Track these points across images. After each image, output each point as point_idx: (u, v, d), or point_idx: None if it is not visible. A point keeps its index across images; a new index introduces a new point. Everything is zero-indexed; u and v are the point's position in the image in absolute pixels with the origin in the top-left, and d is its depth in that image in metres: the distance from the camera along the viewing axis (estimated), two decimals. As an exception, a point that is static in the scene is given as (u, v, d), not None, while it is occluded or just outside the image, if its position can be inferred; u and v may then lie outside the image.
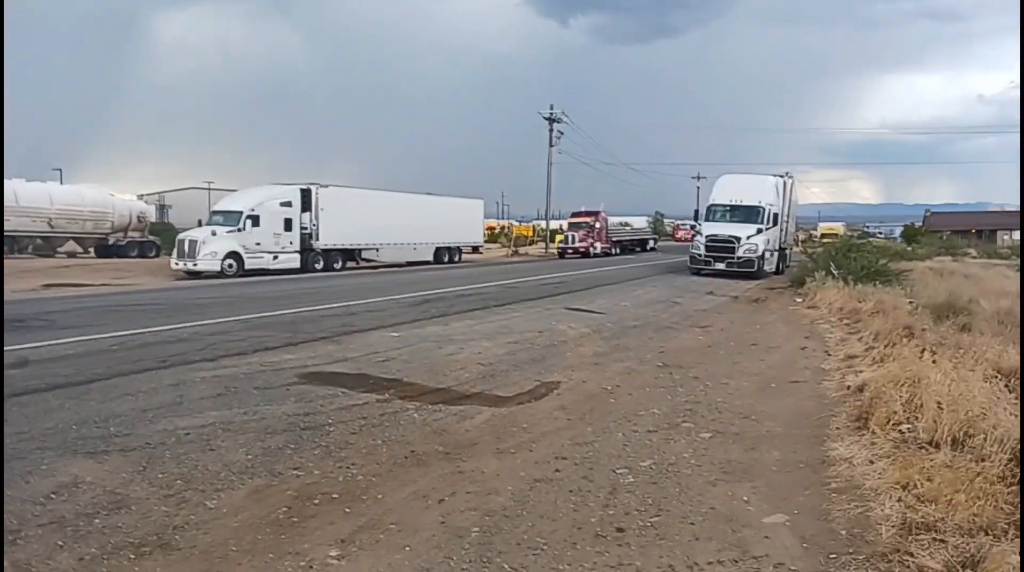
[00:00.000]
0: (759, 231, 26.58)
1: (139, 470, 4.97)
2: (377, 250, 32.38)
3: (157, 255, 37.26)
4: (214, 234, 26.81)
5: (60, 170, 54.13)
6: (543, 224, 60.82)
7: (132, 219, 39.04)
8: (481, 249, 42.26)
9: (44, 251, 36.61)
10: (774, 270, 28.01)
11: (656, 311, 15.54)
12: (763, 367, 9.53)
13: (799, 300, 17.96)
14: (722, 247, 26.40)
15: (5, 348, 8.25)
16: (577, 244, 44.11)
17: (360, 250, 31.64)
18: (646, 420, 6.73)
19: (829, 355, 10.20)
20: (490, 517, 4.46)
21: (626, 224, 52.66)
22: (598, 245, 44.77)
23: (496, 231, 66.93)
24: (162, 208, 51.12)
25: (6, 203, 33.14)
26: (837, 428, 6.31)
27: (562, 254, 44.31)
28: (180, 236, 28.04)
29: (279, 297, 16.27)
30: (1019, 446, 4.87)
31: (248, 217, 27.42)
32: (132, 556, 3.85)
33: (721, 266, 26.25)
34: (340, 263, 30.23)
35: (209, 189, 63.14)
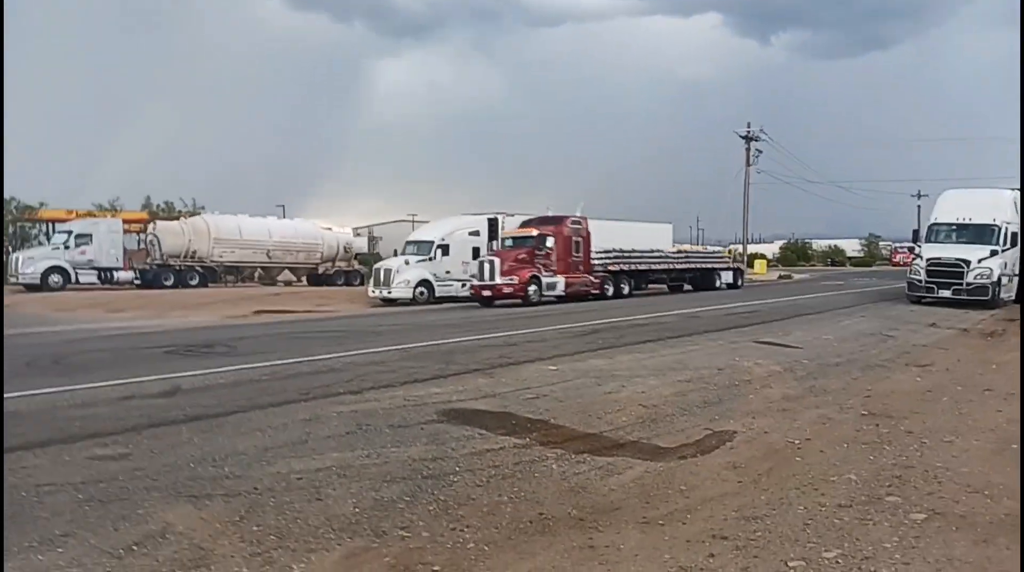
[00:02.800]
0: (993, 253, 22.82)
1: (235, 520, 4.56)
2: (560, 276, 31.91)
3: (361, 283, 39.55)
4: (407, 263, 27.90)
5: (283, 206, 59.80)
6: (740, 248, 57.56)
7: (340, 250, 41.93)
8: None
9: (265, 280, 40.30)
10: (1013, 298, 23.95)
11: (865, 346, 13.48)
12: (1001, 421, 7.60)
13: (1050, 335, 14.88)
14: (948, 272, 22.95)
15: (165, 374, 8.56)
16: (498, 280, 24.28)
17: (545, 277, 31.34)
18: (839, 489, 5.36)
19: (1096, 408, 7.97)
20: (612, 618, 3.48)
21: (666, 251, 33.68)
22: (558, 280, 25.97)
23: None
24: (372, 240, 54.72)
25: (231, 237, 36.88)
26: (1115, 519, 4.59)
27: (478, 297, 24.88)
28: (376, 265, 29.52)
29: (451, 325, 16.17)
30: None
31: (438, 246, 28.26)
32: (186, 632, 3.35)
33: (946, 293, 22.81)
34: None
35: (413, 221, 66.89)
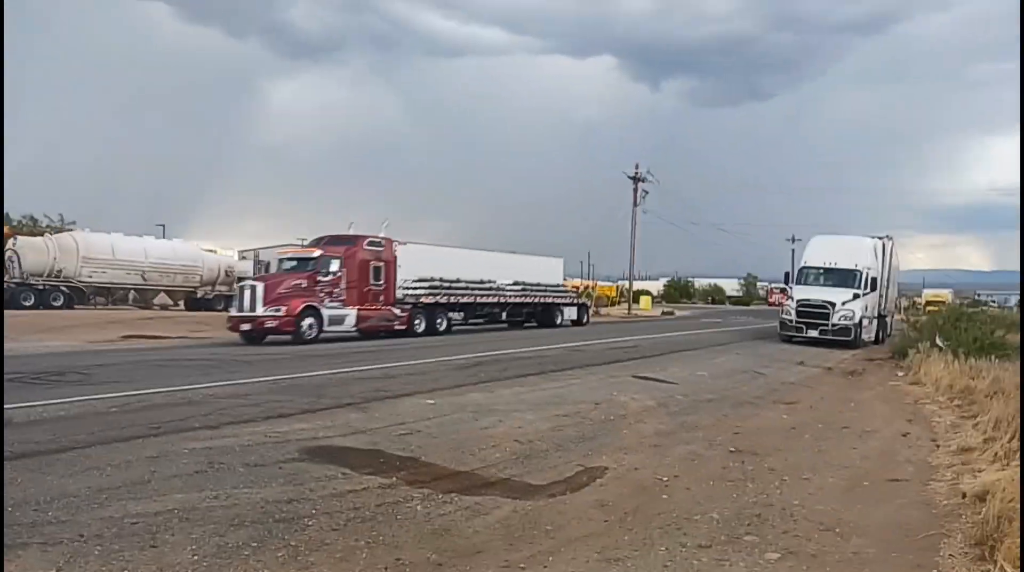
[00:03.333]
0: (856, 296, 24.43)
1: (51, 572, 4.06)
2: (452, 308, 31.73)
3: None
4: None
5: (163, 226, 56.81)
6: (628, 284, 59.20)
7: (221, 273, 40.12)
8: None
9: (140, 303, 37.98)
10: (873, 339, 25.65)
11: (737, 383, 13.97)
12: (855, 458, 7.96)
13: (901, 374, 15.95)
14: (815, 313, 24.36)
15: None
16: (259, 310, 19.69)
17: (435, 307, 31.04)
18: (701, 528, 5.39)
19: (938, 446, 8.50)
20: None
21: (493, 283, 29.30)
22: (347, 312, 21.67)
23: (580, 291, 65.77)
24: (258, 263, 52.68)
25: (102, 256, 34.62)
26: (951, 555, 4.81)
27: (237, 331, 20.16)
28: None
29: (330, 355, 15.62)
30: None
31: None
32: None
33: (814, 333, 24.17)
34: (415, 320, 29.68)
35: (302, 244, 65.07)
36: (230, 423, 7.87)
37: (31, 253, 33.13)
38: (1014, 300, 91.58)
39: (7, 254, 33.86)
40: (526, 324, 30.62)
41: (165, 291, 38.69)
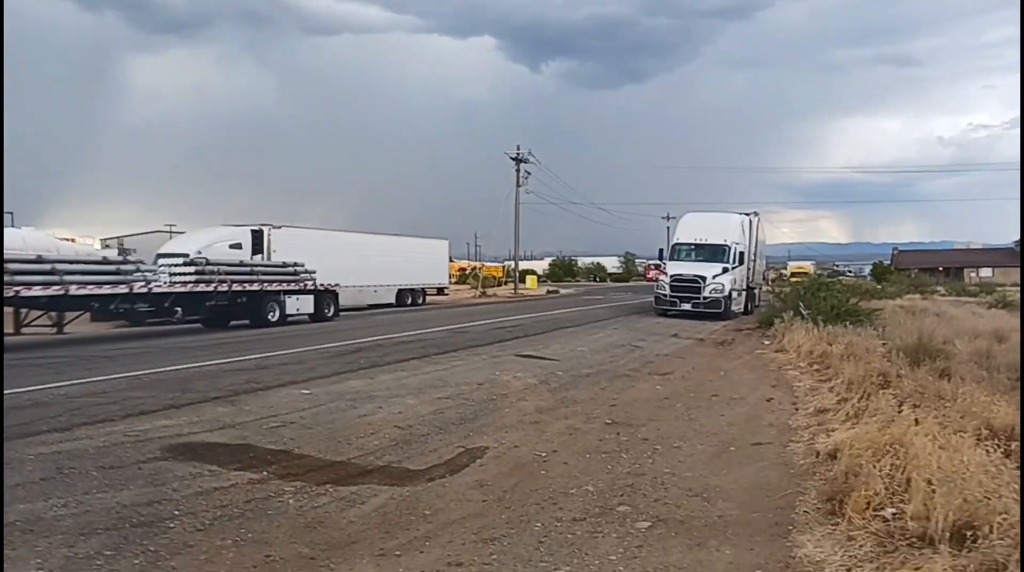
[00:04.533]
0: (725, 270, 25.71)
1: None
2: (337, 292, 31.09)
3: (105, 301, 35.54)
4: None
5: (11, 214, 52.20)
6: (514, 264, 59.78)
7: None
8: (447, 291, 41.02)
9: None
10: (742, 310, 27.11)
11: (615, 357, 14.38)
12: (723, 424, 8.36)
13: (767, 343, 16.93)
14: (687, 287, 25.47)
15: None
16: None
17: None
18: (576, 502, 5.49)
19: (797, 409, 9.07)
20: (326, 672, 3.17)
21: None
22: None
23: (467, 272, 65.80)
24: (123, 252, 49.40)
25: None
26: (805, 511, 5.12)
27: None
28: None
29: (199, 347, 14.87)
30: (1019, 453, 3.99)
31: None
32: None
33: (687, 306, 25.28)
34: (294, 308, 28.70)
35: (171, 232, 61.48)
36: (84, 424, 7.30)
37: None
38: (867, 269, 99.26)
39: None
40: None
41: (15, 284, 35.67)
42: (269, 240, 28.26)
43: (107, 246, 43.24)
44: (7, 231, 37.51)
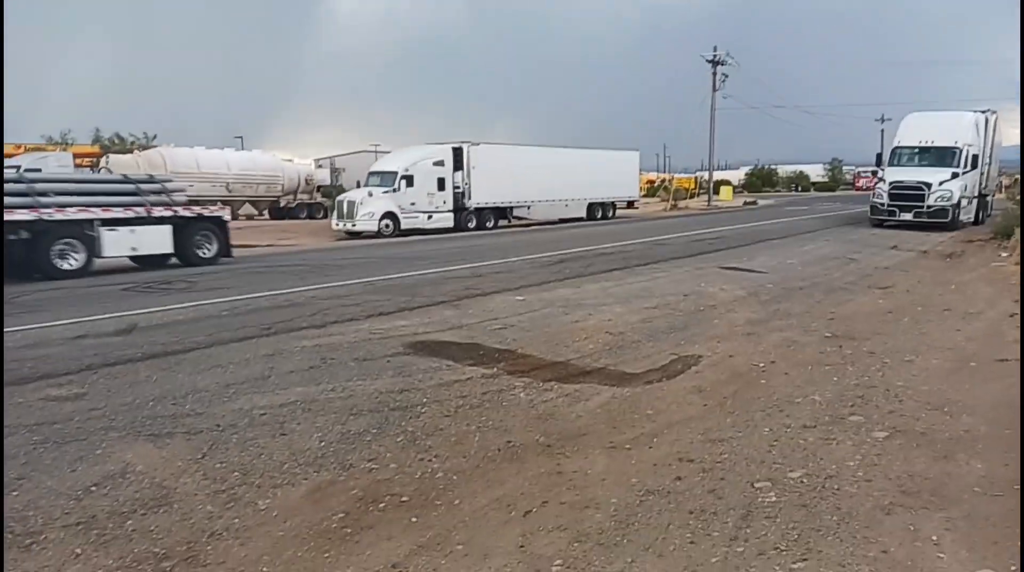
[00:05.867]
0: (955, 175, 23.07)
1: (197, 458, 4.46)
2: (528, 207, 31.87)
3: (325, 216, 38.75)
4: (371, 195, 27.37)
5: (241, 138, 58.03)
6: (707, 175, 57.51)
7: (301, 182, 40.94)
8: (637, 204, 40.54)
9: (226, 214, 39.35)
10: (972, 220, 24.37)
11: (828, 269, 13.63)
12: (959, 340, 7.75)
13: (1005, 255, 15.20)
14: (909, 195, 23.20)
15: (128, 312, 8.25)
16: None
17: (512, 208, 31.24)
18: (803, 410, 5.43)
19: (1051, 326, 8.17)
20: (581, 544, 3.50)
21: None
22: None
23: (656, 185, 64.32)
24: (334, 171, 53.46)
25: (188, 170, 35.76)
26: (1070, 432, 4.71)
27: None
28: (339, 197, 28.99)
29: (416, 257, 15.96)
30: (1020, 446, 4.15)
31: (402, 177, 27.73)
32: (148, 572, 3.28)
33: (908, 216, 23.11)
34: (492, 221, 29.95)
35: (376, 151, 65.39)
36: (334, 322, 8.24)
37: (122, 170, 34.51)
38: None
39: (100, 172, 35.37)
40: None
41: (249, 201, 39.87)
42: (468, 156, 29.33)
43: (320, 166, 46.79)
44: (242, 153, 41.71)
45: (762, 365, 6.79)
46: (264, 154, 42.12)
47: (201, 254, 15.43)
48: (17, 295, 10.76)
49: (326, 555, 3.47)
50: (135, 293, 11.00)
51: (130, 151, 40.49)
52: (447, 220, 28.51)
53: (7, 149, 42.55)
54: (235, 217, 38.39)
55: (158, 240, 14.74)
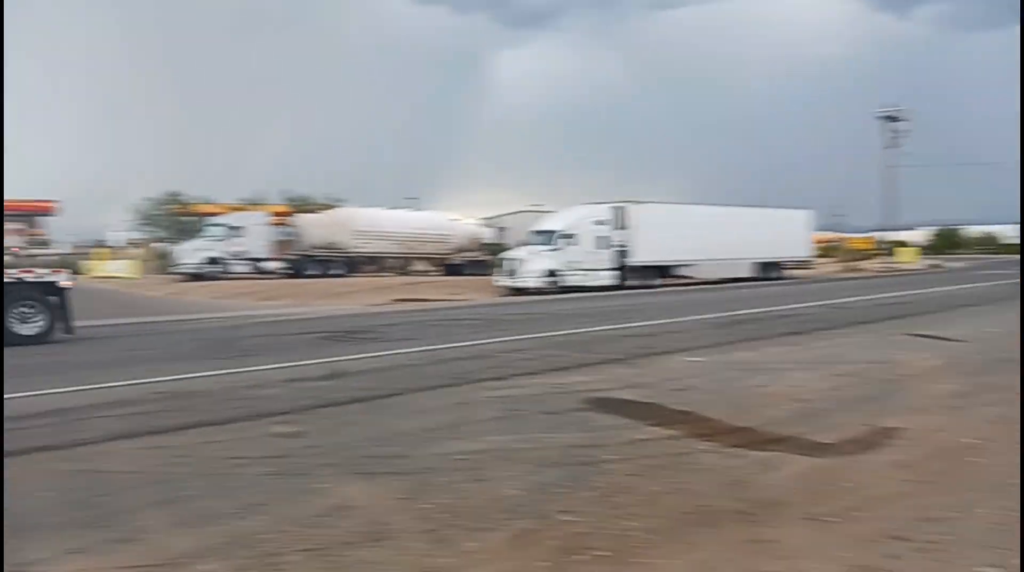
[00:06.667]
0: None
1: (407, 498, 4.80)
2: (692, 266, 31.46)
3: (490, 273, 40.31)
4: (534, 253, 28.23)
5: (416, 198, 61.87)
6: (884, 235, 54.12)
7: (468, 240, 42.92)
8: (810, 264, 38.81)
9: (400, 270, 41.92)
10: None
11: (1039, 340, 12.35)
12: None
13: None
14: None
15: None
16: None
17: (675, 266, 31.00)
18: (1027, 494, 4.97)
19: None
20: (791, 614, 3.42)
21: None
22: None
23: (828, 245, 61.28)
24: (499, 230, 55.63)
25: (370, 229, 38.50)
26: None
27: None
28: (503, 255, 30.08)
29: (583, 314, 16.20)
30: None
31: (565, 236, 28.43)
32: (375, 600, 3.57)
33: None
34: (654, 280, 29.85)
35: (537, 211, 67.44)
36: (515, 375, 8.58)
37: (312, 229, 37.79)
38: None
39: (292, 230, 38.89)
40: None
41: (422, 258, 42.22)
42: (630, 216, 29.60)
43: (486, 225, 48.76)
44: (417, 213, 44.32)
45: (972, 443, 6.29)
46: (436, 214, 44.74)
47: (20, 331, 12.04)
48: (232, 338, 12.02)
49: (535, 601, 3.62)
50: (333, 342, 11.99)
51: (317, 210, 44.22)
52: (609, 278, 28.77)
53: (214, 209, 47.91)
54: (407, 273, 40.91)
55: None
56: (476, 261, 42.71)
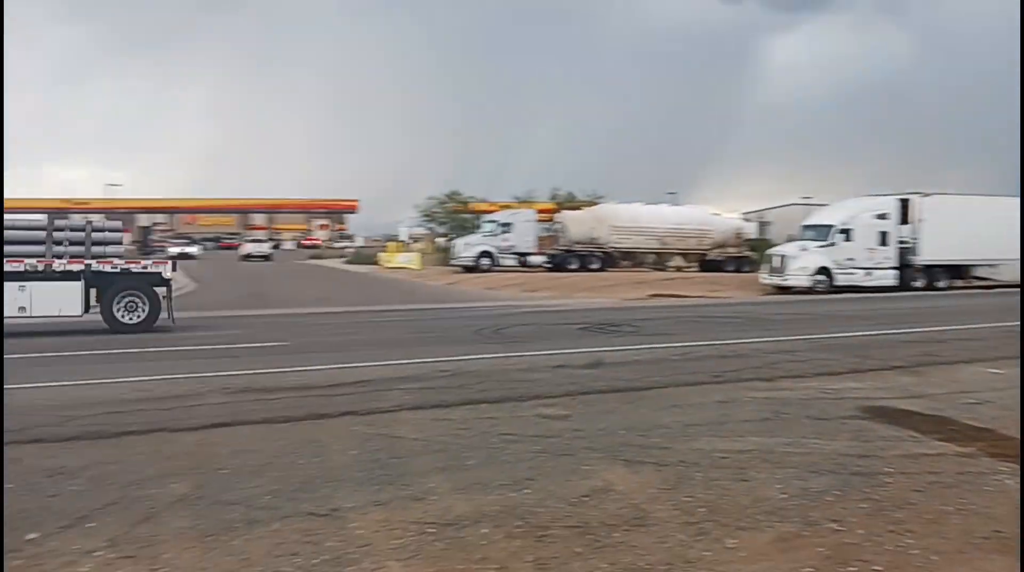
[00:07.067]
0: None
1: (667, 488, 4.90)
2: (994, 267, 27.55)
3: (752, 270, 38.61)
4: (804, 249, 26.62)
5: (675, 193, 61.10)
6: None
7: (730, 236, 41.44)
8: None
9: (657, 265, 41.75)
10: None
11: None
12: None
13: None
14: None
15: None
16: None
17: (970, 266, 27.40)
18: None
19: None
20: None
21: None
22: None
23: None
24: (762, 225, 53.04)
25: (628, 224, 38.85)
26: None
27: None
28: (770, 251, 28.72)
29: (857, 317, 14.99)
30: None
31: (839, 231, 26.46)
32: (638, 582, 3.74)
33: None
34: (945, 281, 26.66)
35: (807, 204, 63.06)
36: (782, 377, 8.26)
37: (574, 225, 39.01)
38: None
39: (556, 226, 40.49)
40: None
41: (679, 254, 41.62)
42: (918, 209, 26.66)
43: (748, 219, 46.66)
44: (676, 208, 43.85)
45: None
46: (695, 209, 43.77)
47: (125, 319, 12.88)
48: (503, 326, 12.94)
49: (802, 605, 3.54)
50: (592, 333, 12.41)
51: (580, 207, 45.53)
52: (889, 278, 26.21)
53: (488, 206, 51.41)
54: (664, 268, 40.60)
55: (59, 299, 12.58)
56: (737, 257, 41.12)
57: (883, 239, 26.35)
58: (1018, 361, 9.39)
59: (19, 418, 6.60)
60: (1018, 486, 5.09)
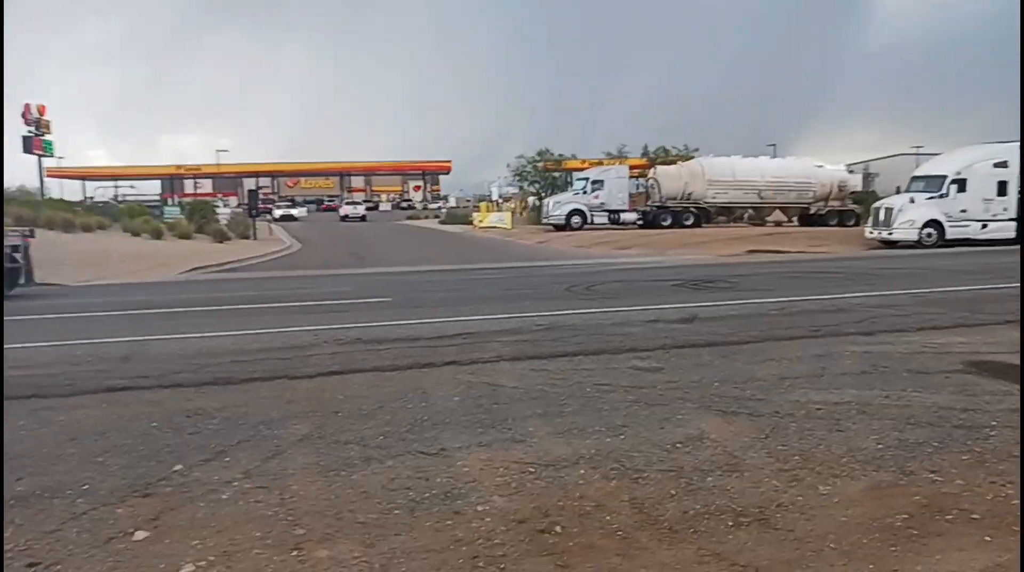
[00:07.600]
0: None
1: (761, 437, 5.00)
2: None
3: (856, 224, 37.05)
4: (912, 201, 25.42)
5: (774, 145, 58.91)
6: None
7: (833, 189, 39.80)
8: None
9: (755, 220, 40.60)
10: None
11: None
12: None
13: None
14: None
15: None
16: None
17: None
18: None
19: None
20: None
21: None
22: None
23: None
24: (867, 177, 50.55)
25: (724, 178, 37.86)
26: None
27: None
28: (876, 204, 27.54)
29: (971, 270, 14.31)
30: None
31: (953, 181, 25.08)
32: (730, 523, 3.89)
33: None
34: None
35: (917, 154, 59.49)
36: (883, 331, 8.09)
37: (667, 180, 38.36)
38: None
39: (648, 182, 39.88)
40: None
41: (779, 208, 40.33)
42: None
43: (852, 171, 44.54)
44: (776, 161, 42.34)
45: None
46: (796, 161, 42.18)
47: None
48: (595, 283, 13.07)
49: (892, 548, 3.62)
50: (686, 289, 12.38)
51: (673, 162, 44.64)
52: (1007, 230, 24.74)
53: (579, 164, 51.01)
54: (763, 223, 39.43)
55: None
56: (840, 211, 39.52)
57: (1002, 189, 24.80)
58: None
59: (157, 365, 7.31)
60: None
